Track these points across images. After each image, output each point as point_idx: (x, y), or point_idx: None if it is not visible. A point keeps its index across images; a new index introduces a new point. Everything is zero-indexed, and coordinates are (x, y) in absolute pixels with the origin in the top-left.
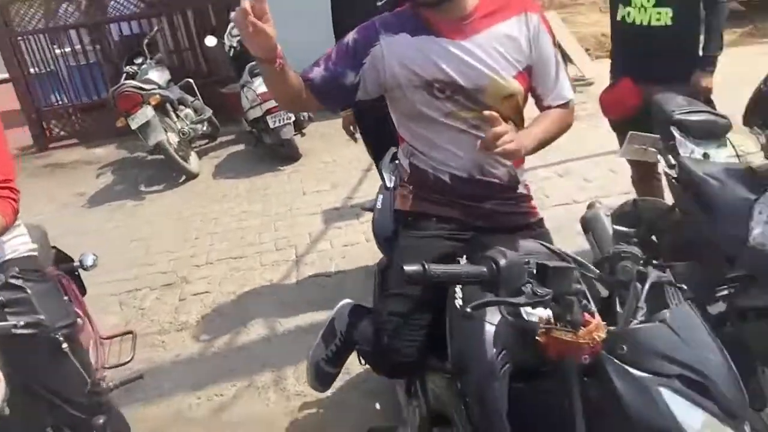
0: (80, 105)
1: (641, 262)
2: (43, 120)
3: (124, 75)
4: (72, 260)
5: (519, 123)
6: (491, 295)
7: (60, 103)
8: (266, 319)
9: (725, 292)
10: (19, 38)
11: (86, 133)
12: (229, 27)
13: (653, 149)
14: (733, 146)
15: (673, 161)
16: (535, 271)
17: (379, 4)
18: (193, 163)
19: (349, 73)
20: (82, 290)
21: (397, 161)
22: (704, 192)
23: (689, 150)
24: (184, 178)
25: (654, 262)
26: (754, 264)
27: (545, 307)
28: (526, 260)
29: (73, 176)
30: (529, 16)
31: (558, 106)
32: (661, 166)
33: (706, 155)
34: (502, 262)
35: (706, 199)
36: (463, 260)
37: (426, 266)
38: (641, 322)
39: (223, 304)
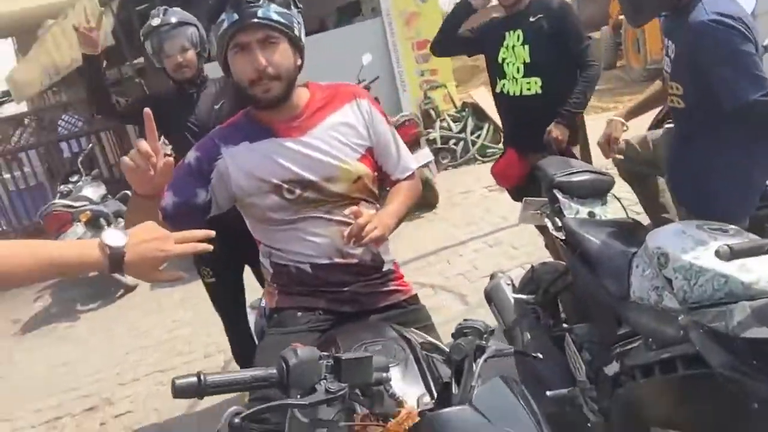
0: (21, 228)
1: (484, 336)
2: None
3: (58, 195)
4: None
5: (372, 199)
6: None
7: (1, 229)
8: None
9: (617, 351)
10: None
11: None
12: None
13: (545, 213)
14: (619, 201)
15: (559, 223)
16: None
17: (216, 107)
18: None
19: (200, 191)
20: None
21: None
22: (587, 251)
23: (574, 211)
24: (122, 291)
25: (565, 325)
26: (635, 320)
27: (342, 401)
28: (325, 354)
29: (11, 303)
30: (359, 102)
31: (405, 178)
32: (550, 229)
33: (591, 214)
34: (293, 361)
35: (589, 258)
36: None
37: (201, 377)
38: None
39: (146, 425)
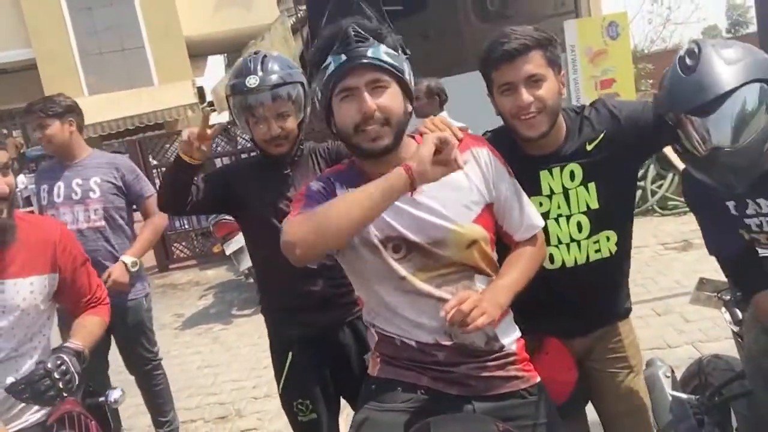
0: (200, 229)
1: None
2: (167, 243)
3: None
4: (99, 396)
5: (489, 267)
6: None
7: (183, 228)
8: None
9: None
10: (154, 170)
11: (203, 255)
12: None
13: (722, 299)
14: None
15: (740, 316)
16: None
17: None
18: None
19: None
20: (109, 426)
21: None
22: None
23: None
24: None
25: None
26: None
27: None
28: None
29: (181, 297)
30: (477, 152)
31: (529, 239)
32: (726, 322)
33: None
34: None
35: None
36: None
37: None
38: None
39: None
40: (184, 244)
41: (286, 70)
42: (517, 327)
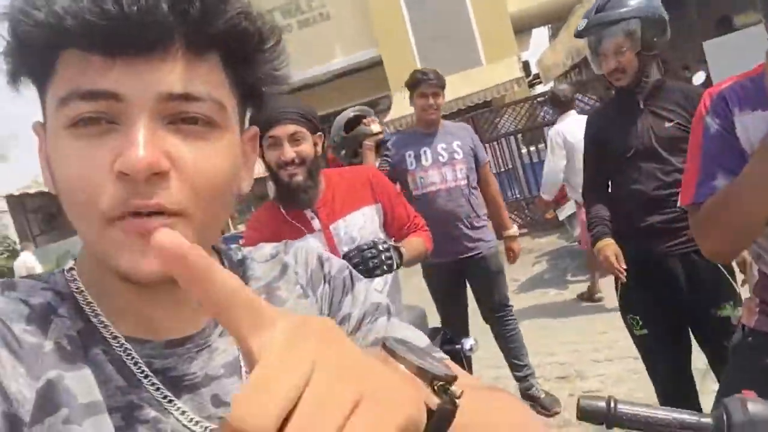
0: (531, 198)
1: None
2: None
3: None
4: (456, 343)
5: None
6: None
7: (515, 197)
8: None
9: None
10: (488, 143)
11: (535, 224)
12: None
13: None
14: None
15: None
16: None
17: (668, 125)
18: None
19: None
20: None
21: None
22: None
23: None
24: None
25: None
26: None
27: None
28: None
29: (516, 264)
30: None
31: None
32: None
33: None
34: (737, 416)
35: None
36: None
37: (611, 404)
38: None
39: None
40: (516, 213)
41: (628, 7)
42: None
